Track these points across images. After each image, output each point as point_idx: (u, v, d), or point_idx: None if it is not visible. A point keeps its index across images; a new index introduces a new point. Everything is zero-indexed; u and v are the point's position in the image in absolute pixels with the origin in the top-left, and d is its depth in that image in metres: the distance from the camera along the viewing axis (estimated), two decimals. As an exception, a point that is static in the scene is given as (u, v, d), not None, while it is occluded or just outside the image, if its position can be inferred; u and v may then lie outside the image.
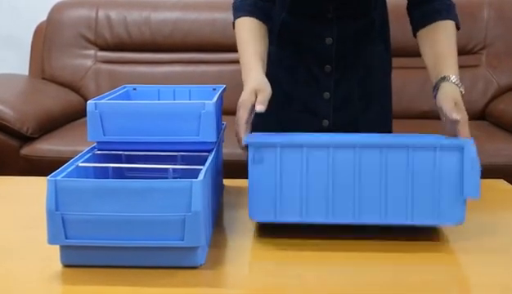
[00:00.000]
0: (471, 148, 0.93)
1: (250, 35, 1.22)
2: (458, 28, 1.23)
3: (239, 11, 1.26)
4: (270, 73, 1.24)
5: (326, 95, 1.32)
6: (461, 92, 1.11)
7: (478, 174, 0.92)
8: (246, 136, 1.01)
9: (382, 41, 1.35)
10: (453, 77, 1.12)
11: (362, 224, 0.94)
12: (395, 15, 1.40)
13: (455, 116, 1.03)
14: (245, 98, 1.08)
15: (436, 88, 1.14)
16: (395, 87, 1.43)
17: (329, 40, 1.28)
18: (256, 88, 1.09)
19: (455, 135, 1.05)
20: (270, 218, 0.95)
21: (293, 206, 0.94)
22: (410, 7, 1.28)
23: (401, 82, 1.42)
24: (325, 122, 1.32)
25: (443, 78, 1.13)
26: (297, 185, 0.94)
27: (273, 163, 0.94)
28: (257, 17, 1.24)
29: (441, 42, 1.19)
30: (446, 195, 0.92)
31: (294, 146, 0.94)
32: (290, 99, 1.34)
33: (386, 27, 1.37)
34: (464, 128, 1.04)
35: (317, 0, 1.26)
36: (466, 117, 1.06)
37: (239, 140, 1.04)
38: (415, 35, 1.27)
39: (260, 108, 1.06)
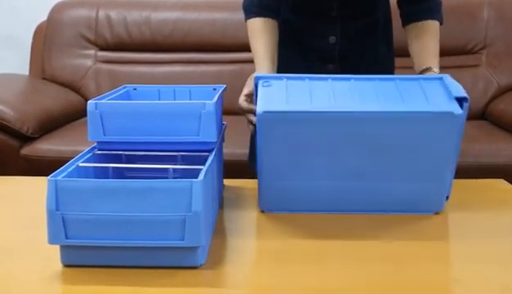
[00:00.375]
0: (449, 78, 1.04)
1: (261, 38, 1.27)
2: (441, 24, 1.32)
3: (247, 12, 1.31)
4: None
5: None
6: None
7: (461, 88, 1.01)
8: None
9: (385, 40, 1.36)
10: (436, 69, 1.22)
11: (363, 111, 0.97)
12: (396, 16, 1.40)
13: None
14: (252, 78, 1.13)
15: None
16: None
17: (332, 39, 1.29)
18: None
19: None
20: (280, 107, 0.99)
21: (300, 97, 1.01)
22: (402, 3, 1.32)
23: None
24: None
25: (428, 69, 1.22)
26: (303, 95, 1.01)
27: (281, 87, 1.04)
28: (264, 15, 1.28)
29: (428, 40, 1.27)
30: (436, 97, 1.00)
31: (298, 79, 1.06)
32: None
33: (389, 26, 1.37)
34: None
35: None
36: None
37: (244, 110, 1.18)
38: (403, 26, 1.32)
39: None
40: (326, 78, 1.06)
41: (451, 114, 0.95)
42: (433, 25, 1.29)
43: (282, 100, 1.00)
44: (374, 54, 1.33)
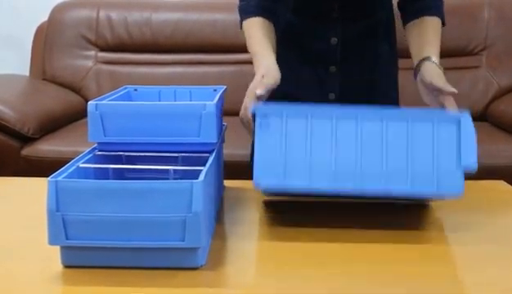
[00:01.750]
0: (468, 120, 0.96)
1: (260, 31, 1.24)
2: (444, 24, 1.29)
3: (245, 13, 1.28)
4: None
5: (331, 96, 1.31)
6: (441, 69, 1.17)
7: (474, 145, 0.95)
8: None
9: (387, 41, 1.35)
10: (434, 58, 1.17)
11: (364, 192, 0.95)
12: (399, 16, 1.39)
13: (453, 89, 1.09)
14: (254, 85, 1.10)
15: (418, 67, 1.18)
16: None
17: (334, 40, 1.28)
18: (264, 73, 1.12)
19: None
20: (276, 183, 0.96)
21: (298, 171, 0.96)
22: (402, 2, 1.31)
23: (404, 84, 1.41)
24: None
25: (426, 58, 1.17)
26: (302, 151, 0.96)
27: (279, 130, 0.97)
28: (263, 16, 1.26)
29: (428, 33, 1.24)
30: (444, 165, 0.95)
31: (299, 116, 0.98)
32: (296, 100, 1.34)
33: (392, 27, 1.37)
34: (453, 103, 1.09)
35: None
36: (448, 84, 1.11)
37: (245, 124, 1.10)
38: (404, 27, 1.31)
39: (260, 91, 1.07)
40: (331, 117, 0.98)
41: (456, 194, 0.95)
42: (431, 21, 1.26)
43: (280, 165, 0.96)
44: (376, 55, 1.32)
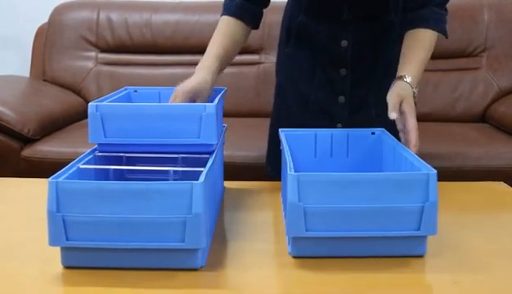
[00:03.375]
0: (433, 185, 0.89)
1: (219, 35, 1.25)
2: (446, 36, 1.27)
3: (224, 9, 1.30)
4: (287, 75, 1.22)
5: (341, 98, 1.30)
6: (414, 93, 1.15)
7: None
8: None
9: (401, 41, 1.29)
10: (408, 78, 1.16)
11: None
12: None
13: (392, 115, 1.09)
14: (183, 90, 1.09)
15: (392, 84, 1.17)
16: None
17: (344, 42, 1.27)
18: (195, 89, 1.11)
19: (402, 127, 1.10)
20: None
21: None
22: (404, 11, 1.28)
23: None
24: (339, 126, 1.31)
25: (399, 77, 1.17)
26: None
27: None
28: (238, 17, 1.27)
29: (411, 47, 1.22)
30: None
31: None
32: (307, 100, 1.33)
33: None
34: (411, 121, 1.08)
35: (332, 0, 1.25)
36: (413, 112, 1.10)
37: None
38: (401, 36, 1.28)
39: (177, 100, 1.08)
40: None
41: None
42: (423, 33, 1.23)
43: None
44: (389, 56, 1.30)
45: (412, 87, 1.15)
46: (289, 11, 1.35)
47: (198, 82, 1.13)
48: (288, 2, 1.39)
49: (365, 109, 1.31)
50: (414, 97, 1.15)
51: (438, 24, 1.25)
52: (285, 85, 1.38)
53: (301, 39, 1.31)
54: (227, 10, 1.29)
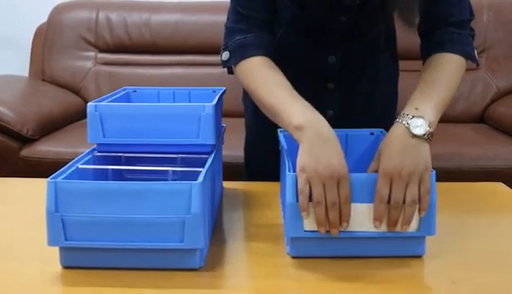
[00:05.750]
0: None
1: (267, 68, 1.07)
2: (472, 60, 1.14)
3: (250, 49, 1.10)
4: None
5: (330, 113, 1.23)
6: (411, 134, 0.91)
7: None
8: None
9: (387, 47, 1.28)
10: (408, 116, 0.93)
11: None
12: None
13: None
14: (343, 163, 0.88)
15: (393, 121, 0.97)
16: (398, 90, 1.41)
17: (331, 58, 1.21)
18: (336, 168, 0.87)
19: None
20: None
21: None
22: (420, 38, 1.18)
23: (404, 86, 1.39)
24: None
25: (398, 116, 0.95)
26: None
27: None
28: (264, 52, 1.10)
29: (423, 73, 1.07)
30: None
31: None
32: None
33: (392, 34, 1.30)
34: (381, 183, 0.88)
35: (319, 17, 1.16)
36: (385, 169, 0.89)
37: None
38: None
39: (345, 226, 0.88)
40: None
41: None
42: (440, 58, 1.08)
43: None
44: (376, 65, 1.27)
45: (409, 128, 0.91)
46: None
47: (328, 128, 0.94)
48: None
49: (354, 121, 1.19)
50: (412, 136, 0.91)
51: (455, 47, 1.10)
52: None
53: (284, 55, 1.18)
54: (255, 50, 1.10)
